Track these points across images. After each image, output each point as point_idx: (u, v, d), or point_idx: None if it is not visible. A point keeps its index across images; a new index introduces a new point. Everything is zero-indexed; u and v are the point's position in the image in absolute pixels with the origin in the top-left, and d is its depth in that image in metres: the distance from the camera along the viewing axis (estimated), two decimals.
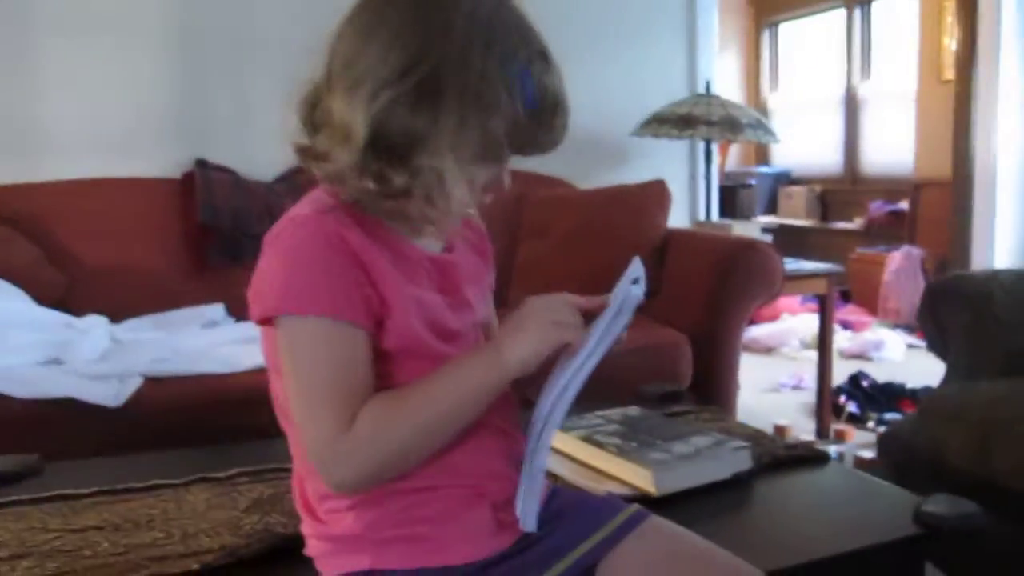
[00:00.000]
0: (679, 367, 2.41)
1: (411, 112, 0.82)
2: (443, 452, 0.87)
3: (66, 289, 2.50)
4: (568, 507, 0.97)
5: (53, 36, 2.77)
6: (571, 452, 1.38)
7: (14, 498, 1.30)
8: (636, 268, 0.91)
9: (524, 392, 1.01)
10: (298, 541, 1.00)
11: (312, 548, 0.93)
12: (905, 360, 4.21)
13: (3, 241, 2.45)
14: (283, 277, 0.84)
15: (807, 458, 1.40)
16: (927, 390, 3.24)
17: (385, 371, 0.86)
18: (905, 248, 4.98)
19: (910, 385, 3.44)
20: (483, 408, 0.87)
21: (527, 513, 0.89)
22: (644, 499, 1.20)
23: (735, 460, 1.30)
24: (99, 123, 2.83)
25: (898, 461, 1.95)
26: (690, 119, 3.20)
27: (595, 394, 0.99)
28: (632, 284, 0.87)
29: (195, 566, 1.06)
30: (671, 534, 0.96)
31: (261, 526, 1.17)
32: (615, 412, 1.49)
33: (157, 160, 2.85)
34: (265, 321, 0.86)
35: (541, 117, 0.87)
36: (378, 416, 0.83)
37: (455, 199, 0.85)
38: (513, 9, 0.88)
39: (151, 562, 1.08)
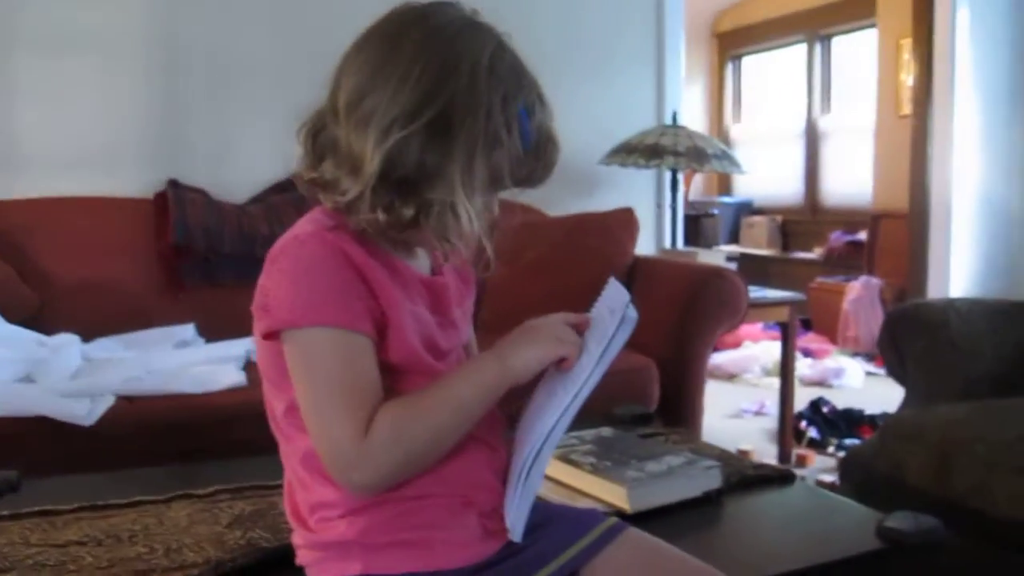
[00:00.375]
0: (647, 390, 2.46)
1: (422, 149, 0.88)
2: (436, 463, 0.91)
3: (38, 307, 2.49)
4: (550, 517, 1.01)
5: (31, 54, 2.78)
6: (547, 471, 1.41)
7: None
8: (615, 288, 0.97)
9: (507, 409, 1.05)
10: (282, 555, 1.03)
11: (303, 557, 0.96)
12: (864, 387, 4.30)
13: None
14: (291, 291, 0.88)
15: (774, 478, 1.45)
16: (885, 415, 3.32)
17: (384, 385, 0.90)
18: (864, 278, 5.10)
19: (869, 411, 3.52)
20: (484, 412, 0.93)
21: (516, 523, 0.93)
22: (618, 516, 1.24)
23: (706, 479, 1.34)
24: (74, 141, 2.84)
25: (859, 483, 2.01)
26: (657, 149, 3.27)
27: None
28: (627, 308, 0.92)
29: None
30: (649, 545, 1.00)
31: (244, 541, 1.19)
32: (588, 433, 1.53)
33: (130, 179, 2.86)
34: (271, 335, 0.89)
35: (537, 153, 0.94)
36: (396, 419, 0.87)
37: (465, 229, 0.90)
38: (511, 52, 0.94)
39: (136, 575, 1.09)
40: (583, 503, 1.29)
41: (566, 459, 1.39)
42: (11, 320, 2.36)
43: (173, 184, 2.85)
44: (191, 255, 2.69)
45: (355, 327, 0.87)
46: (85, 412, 1.93)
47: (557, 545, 0.97)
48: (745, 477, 1.42)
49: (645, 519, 1.24)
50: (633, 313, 0.92)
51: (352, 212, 0.89)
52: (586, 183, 3.51)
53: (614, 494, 1.28)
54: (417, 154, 0.88)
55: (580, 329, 0.96)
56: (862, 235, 5.56)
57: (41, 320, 2.45)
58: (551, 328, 0.94)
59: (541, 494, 1.33)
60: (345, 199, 0.89)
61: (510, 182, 0.95)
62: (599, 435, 1.53)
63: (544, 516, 1.00)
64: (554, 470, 1.40)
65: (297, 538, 0.97)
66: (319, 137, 0.93)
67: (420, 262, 0.99)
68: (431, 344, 0.95)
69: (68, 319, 2.47)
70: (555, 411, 0.91)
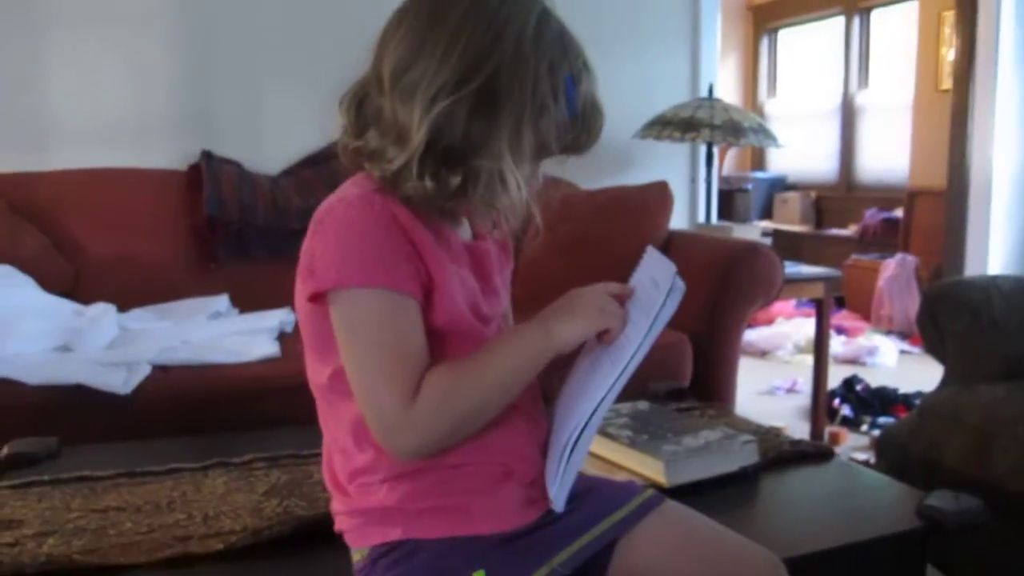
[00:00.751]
0: (680, 367, 2.44)
1: (469, 118, 0.87)
2: (477, 431, 0.91)
3: (73, 278, 2.51)
4: (590, 488, 1.01)
5: (63, 26, 2.78)
6: None
7: (34, 479, 1.32)
8: (655, 258, 0.96)
9: (544, 381, 1.04)
10: (320, 524, 1.03)
11: (341, 523, 0.96)
12: (898, 366, 4.25)
13: (12, 230, 2.46)
14: (339, 252, 0.87)
15: (812, 454, 1.43)
16: (919, 395, 3.28)
17: (430, 349, 0.89)
18: (899, 256, 5.03)
19: (903, 391, 3.48)
20: (529, 381, 0.93)
21: (559, 495, 0.93)
22: (655, 490, 1.23)
23: (743, 454, 1.33)
24: (107, 113, 2.85)
25: (895, 463, 1.98)
26: (693, 122, 3.23)
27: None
28: (675, 277, 0.91)
29: (220, 546, 1.09)
30: (687, 517, 1.00)
31: (281, 509, 1.20)
32: (625, 406, 1.52)
33: (164, 152, 2.86)
34: (317, 297, 0.89)
35: (583, 120, 0.93)
36: (443, 385, 0.86)
37: (514, 196, 0.89)
38: (556, 19, 0.93)
39: (176, 541, 1.10)
40: (620, 476, 1.29)
41: (603, 432, 1.38)
42: (47, 291, 2.38)
43: (207, 156, 2.86)
44: (224, 228, 2.70)
45: (403, 288, 0.87)
46: (121, 381, 1.95)
47: (595, 515, 0.96)
48: (782, 453, 1.41)
49: (681, 493, 1.23)
50: (681, 283, 0.91)
51: (399, 181, 0.89)
52: (620, 157, 3.48)
53: (651, 468, 1.28)
54: (464, 123, 0.87)
55: (623, 300, 0.95)
56: (898, 212, 5.48)
57: (76, 292, 2.47)
58: (595, 299, 0.93)
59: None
60: (392, 167, 0.88)
61: (556, 149, 0.94)
62: (636, 409, 1.52)
63: (582, 486, 0.99)
64: (592, 443, 1.40)
65: (336, 504, 0.97)
66: (363, 107, 0.92)
67: (463, 230, 0.99)
68: (475, 309, 0.95)
69: (102, 291, 2.48)
70: (602, 384, 0.90)
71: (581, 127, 0.94)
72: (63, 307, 2.30)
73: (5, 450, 1.44)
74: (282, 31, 2.99)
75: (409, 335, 0.87)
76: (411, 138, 0.87)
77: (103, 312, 2.29)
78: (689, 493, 1.24)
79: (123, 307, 2.47)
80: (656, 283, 0.92)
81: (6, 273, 2.30)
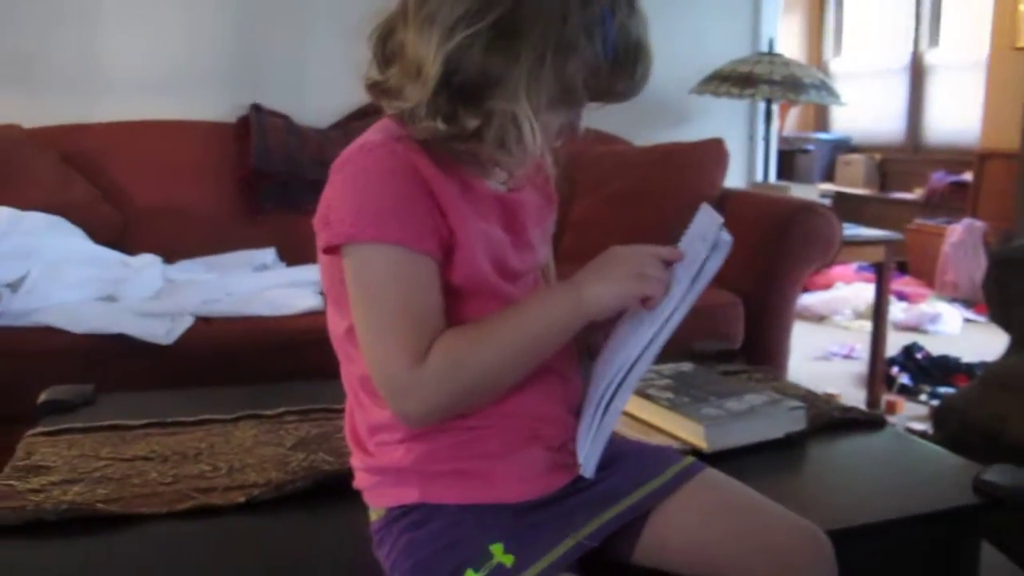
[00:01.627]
0: (731, 329, 2.37)
1: (486, 52, 0.79)
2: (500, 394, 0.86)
3: (122, 229, 2.52)
4: (624, 454, 0.95)
5: None
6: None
7: (67, 426, 1.32)
8: (706, 214, 0.88)
9: (586, 340, 0.99)
10: (343, 479, 1.00)
11: (361, 480, 0.92)
12: (961, 334, 4.11)
13: (62, 180, 2.47)
14: (354, 204, 0.81)
15: (862, 422, 1.36)
16: (983, 365, 3.16)
17: (448, 307, 0.84)
18: (966, 220, 4.85)
19: (965, 360, 3.36)
20: (556, 348, 0.86)
21: (589, 460, 0.87)
22: (695, 454, 1.18)
23: (789, 420, 1.27)
24: (157, 65, 2.84)
25: (953, 434, 1.90)
26: (751, 78, 3.12)
27: None
28: (720, 231, 0.84)
29: (241, 499, 1.07)
30: (727, 487, 0.94)
31: (307, 463, 1.17)
32: (667, 367, 1.46)
33: (213, 104, 2.85)
34: (332, 249, 0.84)
35: (622, 64, 0.83)
36: (455, 348, 0.81)
37: (528, 144, 0.81)
38: None
39: (198, 493, 1.08)
40: (658, 440, 1.24)
41: (643, 393, 1.33)
42: (95, 240, 2.40)
43: (255, 108, 2.84)
44: (271, 180, 2.68)
45: (419, 245, 0.81)
46: (164, 331, 1.95)
47: (629, 483, 0.91)
48: (831, 420, 1.34)
49: (723, 459, 1.18)
50: (727, 237, 0.84)
51: (415, 121, 0.82)
52: (676, 113, 3.38)
53: (691, 432, 1.22)
54: (481, 57, 0.79)
55: (671, 263, 0.86)
56: (966, 175, 5.28)
57: (123, 242, 2.48)
58: (635, 262, 0.85)
59: (615, 428, 1.29)
60: (407, 105, 0.82)
61: (585, 95, 0.84)
62: (678, 370, 1.47)
63: (617, 452, 0.94)
64: (629, 404, 1.35)
65: (355, 460, 0.93)
66: (388, 42, 0.85)
67: (496, 178, 0.91)
68: (502, 265, 0.89)
69: (149, 241, 2.49)
70: (638, 344, 0.84)
71: (620, 71, 0.83)
72: (110, 257, 2.31)
73: (43, 396, 1.44)
74: None
75: (423, 294, 0.82)
76: (426, 73, 0.80)
77: (149, 263, 2.29)
78: (731, 459, 1.19)
79: (170, 258, 2.48)
80: (705, 239, 0.85)
81: (55, 223, 2.32)
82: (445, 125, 0.81)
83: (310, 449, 1.23)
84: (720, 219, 0.86)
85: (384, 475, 0.89)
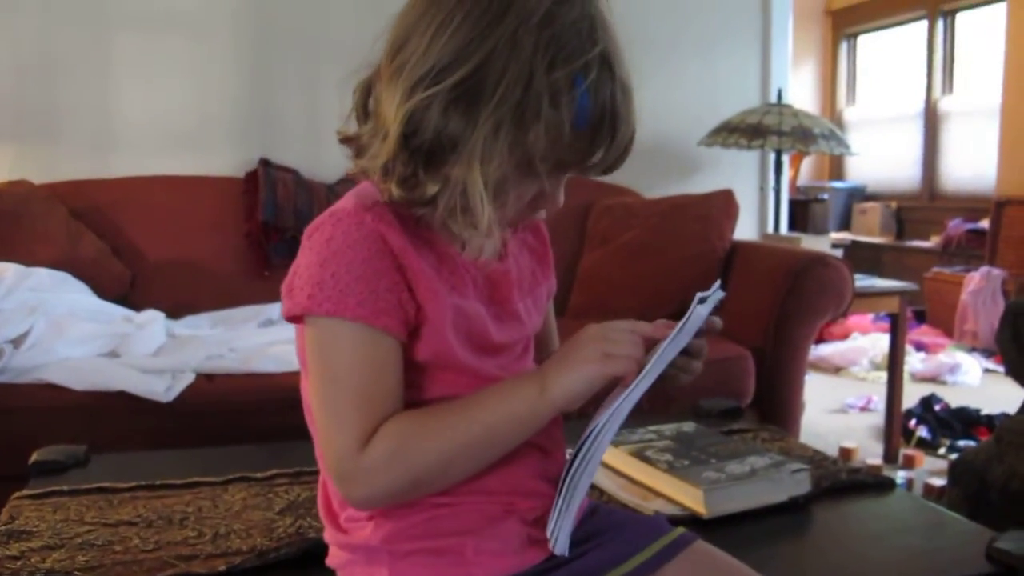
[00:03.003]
0: (742, 383, 2.33)
1: (444, 114, 0.75)
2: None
3: (130, 284, 2.53)
4: (608, 526, 0.91)
5: (127, 32, 2.81)
6: (619, 467, 1.33)
7: (55, 488, 1.30)
8: (703, 310, 0.81)
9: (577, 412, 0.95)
10: (327, 548, 0.96)
11: (333, 557, 0.89)
12: (981, 385, 4.04)
13: (72, 234, 2.49)
14: (316, 275, 0.78)
15: (871, 484, 1.32)
16: (1004, 417, 3.09)
17: (415, 381, 0.81)
18: (985, 268, 4.79)
19: (986, 411, 3.29)
20: (520, 440, 0.81)
21: (560, 537, 0.83)
22: (693, 519, 1.15)
23: (793, 483, 1.23)
24: (167, 120, 2.87)
25: (970, 491, 1.85)
26: (760, 128, 3.12)
27: (650, 407, 0.93)
28: (699, 304, 0.79)
29: (222, 567, 1.04)
30: (719, 563, 0.89)
31: (293, 529, 1.14)
32: (669, 427, 1.43)
33: (223, 158, 2.88)
34: (295, 319, 0.82)
35: (593, 135, 0.77)
36: (401, 435, 0.77)
37: (476, 215, 0.76)
38: (589, 7, 0.77)
39: (179, 561, 1.05)
40: (656, 504, 1.20)
41: (640, 455, 1.29)
42: (104, 296, 2.40)
43: (264, 163, 2.86)
44: (279, 234, 2.69)
45: (379, 323, 0.77)
46: (164, 388, 1.93)
47: (613, 557, 0.86)
48: (837, 482, 1.30)
49: (723, 525, 1.15)
50: (703, 310, 0.78)
51: (375, 181, 0.79)
52: (686, 164, 3.38)
53: (690, 496, 1.18)
54: (438, 119, 0.74)
55: (654, 338, 0.80)
56: (984, 223, 5.23)
57: (132, 297, 2.49)
58: (599, 343, 0.78)
59: (610, 493, 1.25)
60: (373, 165, 0.78)
61: (547, 166, 0.77)
62: (679, 430, 1.43)
63: (602, 524, 0.90)
64: (627, 467, 1.31)
65: (328, 536, 0.90)
66: (368, 97, 0.83)
67: (478, 246, 0.86)
68: (479, 339, 0.85)
69: (158, 296, 2.50)
70: (603, 413, 0.79)
71: (593, 142, 0.77)
72: (114, 313, 2.31)
73: (34, 457, 1.42)
74: (341, 39, 2.97)
75: (379, 376, 0.78)
76: (389, 132, 0.76)
77: (152, 319, 2.28)
78: (731, 525, 1.15)
79: (178, 312, 2.48)
80: (690, 333, 0.79)
81: (61, 279, 2.32)
82: (399, 189, 0.77)
83: (298, 514, 1.20)
84: (718, 290, 0.81)
85: (355, 553, 0.85)
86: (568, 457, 0.83)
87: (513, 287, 0.89)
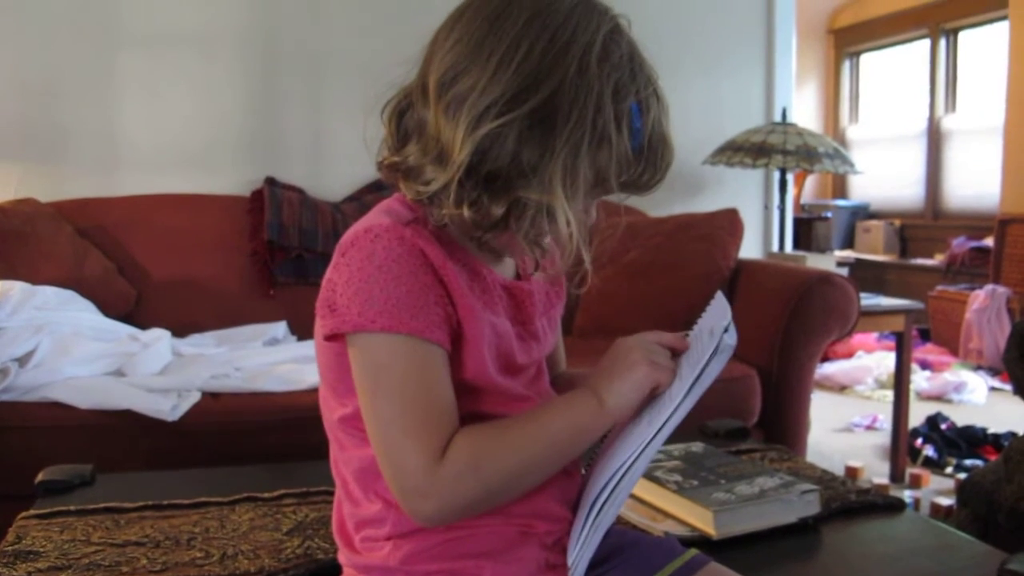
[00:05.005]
0: (747, 402, 2.33)
1: (521, 140, 0.77)
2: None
3: (135, 302, 2.53)
4: (621, 548, 0.91)
5: (132, 51, 2.83)
6: None
7: (61, 508, 1.29)
8: (719, 306, 0.85)
9: None
10: (336, 569, 0.96)
11: None
12: (987, 404, 4.02)
13: (78, 253, 2.49)
14: (364, 291, 0.77)
15: (881, 505, 1.31)
16: (1011, 436, 3.08)
17: None
18: (989, 286, 4.78)
19: (992, 430, 3.27)
20: (579, 453, 0.83)
21: (579, 562, 0.83)
22: (703, 541, 1.14)
23: (802, 504, 1.22)
24: (173, 140, 2.88)
25: (979, 512, 1.84)
26: (765, 148, 3.12)
27: None
28: (724, 333, 0.80)
29: None
30: None
31: (302, 550, 1.14)
32: (677, 448, 1.42)
33: (229, 177, 2.88)
34: (336, 336, 0.81)
35: (648, 155, 0.82)
36: (477, 449, 0.77)
37: (563, 235, 0.78)
38: (628, 37, 0.83)
39: None
40: (666, 525, 1.19)
41: (650, 476, 1.29)
42: (109, 314, 2.40)
43: (270, 182, 2.86)
44: (284, 253, 2.69)
45: (431, 336, 0.77)
46: (169, 408, 1.93)
47: None
48: (847, 503, 1.29)
49: (732, 546, 1.14)
50: (731, 340, 0.80)
51: (435, 205, 0.80)
52: (691, 184, 3.38)
53: (699, 517, 1.18)
54: (514, 146, 0.77)
55: (677, 351, 0.84)
56: (988, 241, 5.23)
57: (137, 315, 2.49)
58: (644, 351, 0.82)
59: (619, 513, 1.24)
60: (428, 189, 0.79)
61: (616, 186, 0.82)
62: (688, 450, 1.42)
63: (616, 544, 0.90)
64: (637, 487, 1.30)
65: (342, 557, 0.89)
66: (405, 118, 0.83)
67: (503, 265, 0.88)
68: (506, 358, 0.85)
69: (163, 315, 2.50)
70: (634, 444, 0.80)
71: (645, 163, 0.82)
72: (119, 332, 2.31)
73: (40, 477, 1.42)
74: (348, 58, 2.99)
75: (437, 388, 0.78)
76: (452, 158, 0.77)
77: (157, 338, 2.28)
78: (741, 546, 1.15)
79: (183, 331, 2.48)
80: (713, 333, 0.81)
81: (68, 298, 2.33)
82: (470, 212, 0.78)
83: (306, 535, 1.19)
84: (729, 314, 0.82)
85: (371, 574, 0.84)
86: (592, 485, 0.83)
87: (535, 306, 0.90)
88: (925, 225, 6.10)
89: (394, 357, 0.77)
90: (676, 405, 0.79)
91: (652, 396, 0.82)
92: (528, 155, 0.77)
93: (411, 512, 0.79)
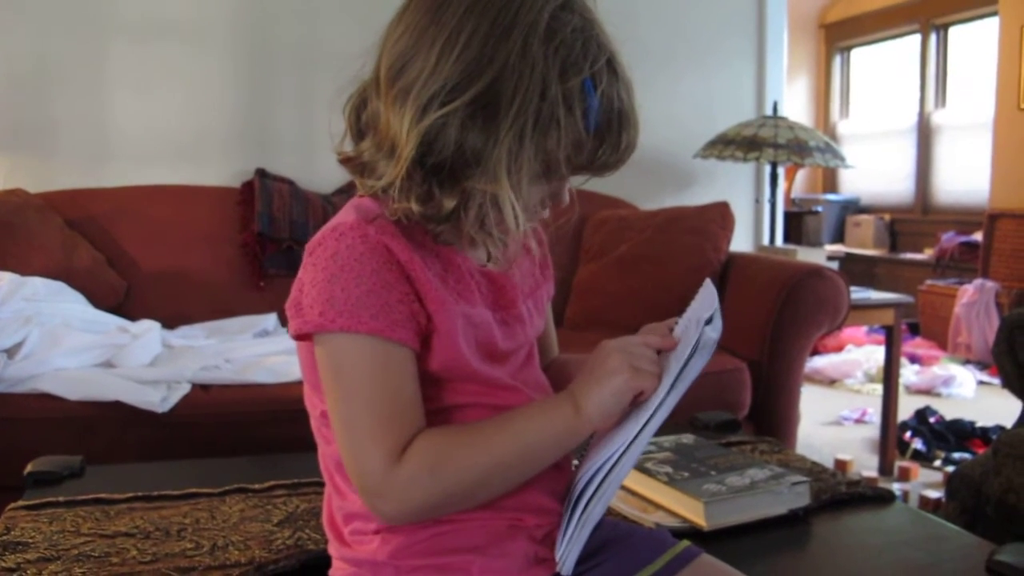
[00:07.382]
0: (738, 395, 2.33)
1: (464, 129, 0.75)
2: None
3: (125, 294, 2.52)
4: (612, 541, 0.90)
5: (123, 43, 2.81)
6: None
7: (51, 499, 1.29)
8: (708, 295, 0.83)
9: None
10: (327, 560, 0.96)
11: (337, 571, 0.88)
12: (976, 397, 4.05)
13: (68, 244, 2.48)
14: (325, 291, 0.77)
15: (870, 497, 1.32)
16: (999, 429, 3.10)
17: (427, 393, 0.80)
18: (978, 281, 4.81)
19: (980, 424, 3.29)
20: (555, 460, 0.82)
21: (567, 556, 0.82)
22: (694, 532, 1.14)
23: (792, 495, 1.23)
24: (163, 131, 2.87)
25: (967, 504, 1.85)
26: (756, 141, 3.12)
27: None
28: (706, 325, 0.78)
29: None
30: (723, 574, 0.89)
31: (292, 541, 1.14)
32: (668, 439, 1.43)
33: (219, 169, 2.87)
34: (304, 336, 0.81)
35: (606, 135, 0.80)
36: (436, 451, 0.77)
37: (509, 225, 0.77)
38: (581, 12, 0.79)
39: (178, 573, 1.05)
40: (656, 516, 1.20)
41: (641, 467, 1.29)
42: (99, 305, 2.39)
43: (260, 174, 2.85)
44: (274, 245, 2.68)
45: (394, 335, 0.77)
46: (159, 399, 1.92)
47: (619, 571, 0.86)
48: (837, 495, 1.30)
49: (723, 537, 1.14)
50: (714, 333, 0.78)
51: (388, 200, 0.79)
52: (681, 177, 3.38)
53: (690, 508, 1.18)
54: (457, 136, 0.75)
55: (663, 349, 0.81)
56: (977, 236, 5.25)
57: (127, 307, 2.48)
58: (626, 357, 0.78)
59: (610, 505, 1.24)
60: (379, 184, 0.78)
61: (567, 169, 0.80)
62: (679, 442, 1.43)
63: (607, 537, 0.89)
64: (627, 478, 1.31)
65: (332, 549, 0.89)
66: (362, 113, 0.82)
67: (482, 251, 0.87)
68: (487, 346, 0.84)
69: (153, 306, 2.49)
70: (620, 441, 0.79)
71: (601, 142, 0.79)
72: (109, 323, 2.30)
73: (29, 468, 1.41)
74: (338, 50, 2.97)
75: (400, 388, 0.77)
76: (401, 151, 0.76)
77: (147, 329, 2.27)
78: (731, 537, 1.15)
79: (173, 322, 2.47)
80: (699, 323, 0.80)
81: (57, 289, 2.31)
82: (419, 206, 0.77)
83: (297, 526, 1.19)
84: (716, 304, 0.81)
85: (360, 567, 0.84)
86: (580, 480, 0.83)
87: (517, 291, 0.89)
88: (915, 220, 6.13)
89: (354, 357, 0.77)
90: (660, 401, 0.78)
91: (637, 403, 0.80)
92: (472, 144, 0.76)
93: (372, 511, 0.79)
